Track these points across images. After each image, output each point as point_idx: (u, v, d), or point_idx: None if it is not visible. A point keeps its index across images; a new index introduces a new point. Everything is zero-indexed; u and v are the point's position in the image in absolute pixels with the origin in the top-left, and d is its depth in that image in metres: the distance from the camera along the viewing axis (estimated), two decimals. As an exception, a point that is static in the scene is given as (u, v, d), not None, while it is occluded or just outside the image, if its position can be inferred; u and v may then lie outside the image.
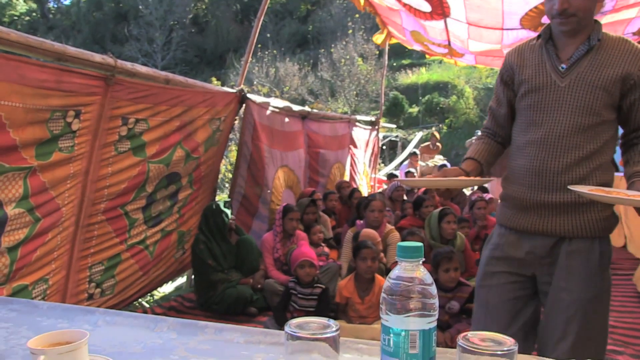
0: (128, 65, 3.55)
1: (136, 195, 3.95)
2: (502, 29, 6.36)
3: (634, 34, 7.64)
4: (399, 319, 0.82)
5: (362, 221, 5.10)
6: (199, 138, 4.58)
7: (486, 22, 6.24)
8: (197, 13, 49.67)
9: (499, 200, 2.34)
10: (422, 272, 0.85)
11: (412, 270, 0.84)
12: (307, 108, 7.42)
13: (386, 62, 10.48)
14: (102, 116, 3.42)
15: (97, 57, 3.24)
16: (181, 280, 5.56)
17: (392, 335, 0.85)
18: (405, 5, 6.14)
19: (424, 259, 0.87)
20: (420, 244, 0.86)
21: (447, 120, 24.88)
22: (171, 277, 5.06)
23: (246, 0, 47.03)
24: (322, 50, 30.87)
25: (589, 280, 2.00)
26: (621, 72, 1.98)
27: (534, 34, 7.17)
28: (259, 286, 4.59)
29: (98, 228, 3.66)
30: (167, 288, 5.40)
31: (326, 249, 5.23)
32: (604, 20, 6.97)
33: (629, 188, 1.95)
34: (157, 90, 3.87)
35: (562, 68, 2.05)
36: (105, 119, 3.46)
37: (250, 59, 5.80)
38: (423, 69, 30.08)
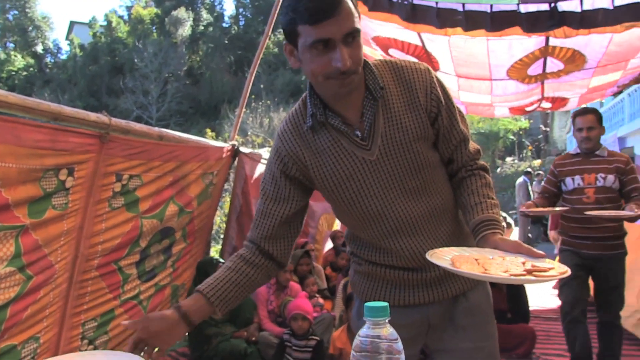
0: (122, 122, 3.64)
1: (130, 250, 3.99)
2: (491, 79, 6.55)
3: (618, 87, 7.88)
4: (367, 374, 0.88)
5: (355, 271, 5.13)
6: (192, 192, 4.65)
7: (475, 74, 6.42)
8: (191, 65, 50.54)
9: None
10: (388, 330, 0.91)
11: (379, 328, 0.90)
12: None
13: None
14: (97, 173, 3.49)
15: (92, 116, 3.32)
16: (175, 334, 5.54)
17: (363, 388, 0.90)
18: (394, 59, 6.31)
19: (389, 318, 0.93)
20: (385, 303, 0.92)
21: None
22: (165, 332, 5.03)
23: (240, 52, 47.92)
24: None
25: None
26: (421, 109, 1.68)
27: (521, 85, 7.35)
28: (253, 339, 4.58)
29: (91, 284, 3.69)
30: (161, 342, 5.38)
31: (320, 300, 5.24)
32: (592, 83, 7.20)
33: (478, 243, 1.59)
34: (150, 146, 3.96)
35: (359, 136, 1.65)
36: (100, 176, 3.53)
37: (243, 110, 5.93)
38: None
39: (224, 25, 55.55)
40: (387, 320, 0.91)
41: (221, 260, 4.78)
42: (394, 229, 1.68)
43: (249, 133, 26.92)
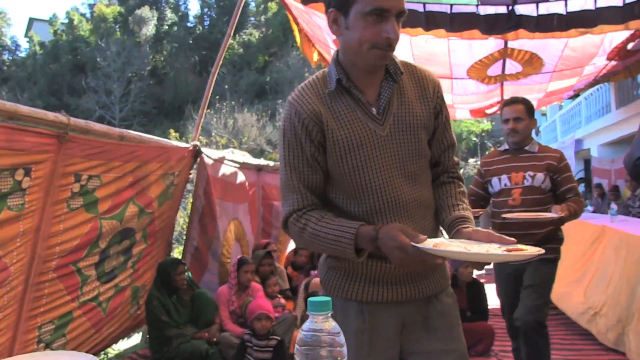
0: (81, 122, 3.59)
1: (89, 251, 3.94)
2: (452, 78, 6.67)
3: (574, 91, 8.10)
4: (311, 367, 0.90)
5: (316, 271, 5.16)
6: (153, 193, 4.62)
7: (437, 73, 6.51)
8: (155, 65, 49.98)
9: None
10: (330, 324, 0.93)
11: (321, 323, 0.93)
12: (262, 161, 7.54)
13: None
14: (54, 173, 3.44)
15: (50, 116, 3.27)
16: (137, 336, 5.49)
17: (305, 382, 0.92)
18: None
19: (332, 312, 0.96)
20: (328, 298, 0.94)
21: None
22: (126, 334, 4.99)
23: (204, 52, 47.58)
24: (280, 100, 31.36)
25: None
26: (430, 102, 1.82)
27: (481, 85, 7.48)
28: (215, 340, 4.57)
29: (49, 286, 3.63)
30: (123, 345, 5.32)
31: (282, 301, 5.26)
32: (550, 87, 7.38)
33: (453, 236, 1.68)
34: (111, 146, 3.92)
35: (373, 112, 1.74)
36: (58, 176, 3.48)
37: (205, 111, 5.91)
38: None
39: (189, 25, 55.10)
40: (329, 315, 0.94)
41: (182, 261, 4.76)
42: (388, 207, 1.73)
43: (213, 134, 26.76)
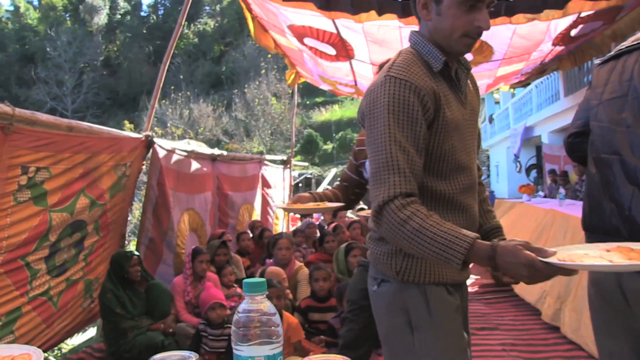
0: (27, 113, 3.51)
1: (38, 245, 3.86)
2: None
3: (522, 75, 8.29)
4: (247, 347, 0.92)
5: (271, 260, 5.18)
6: (104, 185, 4.55)
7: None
8: (108, 55, 48.99)
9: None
10: (266, 305, 0.95)
11: (257, 303, 0.94)
12: (217, 151, 7.48)
13: (296, 101, 10.73)
14: (0, 165, 3.36)
15: (-7, 106, 3.20)
16: (92, 330, 5.42)
17: (242, 363, 0.94)
18: (311, 48, 6.38)
19: (267, 292, 0.98)
20: (263, 279, 0.96)
21: (361, 156, 25.51)
22: (80, 328, 4.92)
23: (159, 42, 46.81)
24: (236, 90, 31.09)
25: None
26: (477, 96, 1.91)
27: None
28: (171, 331, 4.54)
29: (-4, 281, 3.55)
30: (77, 339, 5.25)
31: (238, 290, 5.26)
32: (499, 72, 7.54)
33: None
34: (59, 138, 3.84)
35: (462, 97, 1.78)
36: (3, 169, 3.40)
37: (161, 102, 5.83)
38: (336, 106, 30.87)
39: (142, 14, 54.14)
40: (265, 295, 0.96)
41: (136, 253, 4.70)
42: (471, 187, 1.80)
43: (169, 125, 26.41)
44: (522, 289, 5.75)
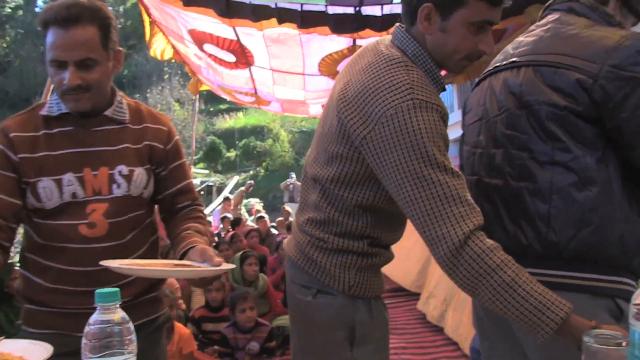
0: None
1: None
2: (304, 74, 6.79)
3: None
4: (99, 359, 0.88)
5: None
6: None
7: (288, 67, 6.61)
8: (-3, 52, 46.21)
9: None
10: (119, 315, 0.92)
11: (109, 313, 0.91)
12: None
13: (201, 108, 10.60)
14: None
15: None
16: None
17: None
18: (210, 55, 6.31)
19: (120, 302, 0.94)
20: (116, 289, 0.92)
21: (264, 164, 25.57)
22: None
23: (54, 41, 44.69)
24: (138, 95, 30.29)
25: None
26: None
27: (332, 81, 7.75)
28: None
29: None
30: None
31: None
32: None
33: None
34: None
35: None
36: None
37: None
38: (240, 114, 30.74)
39: (37, 9, 51.49)
40: (117, 305, 0.92)
41: (17, 265, 4.41)
42: None
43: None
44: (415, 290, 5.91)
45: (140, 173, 1.67)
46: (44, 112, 1.65)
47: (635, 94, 1.37)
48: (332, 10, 5.05)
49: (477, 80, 1.83)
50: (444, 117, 1.43)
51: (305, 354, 1.71)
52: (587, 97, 1.41)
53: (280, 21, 5.10)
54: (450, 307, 4.68)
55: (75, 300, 1.61)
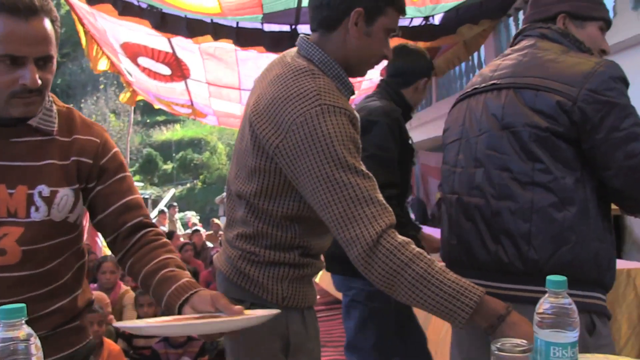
0: None
1: None
2: (240, 89, 6.81)
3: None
4: (1, 378, 0.87)
5: (95, 284, 4.93)
6: None
7: (225, 82, 6.61)
8: None
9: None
10: (24, 331, 0.91)
11: (15, 330, 0.90)
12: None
13: (132, 120, 10.43)
14: None
15: None
16: None
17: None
18: (144, 69, 6.25)
19: (26, 318, 0.93)
20: (22, 305, 0.92)
21: (201, 177, 25.30)
22: None
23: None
24: (72, 105, 29.40)
25: None
26: None
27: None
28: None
29: None
30: None
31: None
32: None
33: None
34: None
35: None
36: None
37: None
38: (177, 126, 30.37)
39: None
40: (23, 321, 0.91)
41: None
42: None
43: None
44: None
45: (64, 195, 1.41)
46: None
47: (610, 117, 1.47)
48: (268, 27, 5.10)
49: (455, 100, 1.89)
50: (353, 121, 1.46)
51: None
52: (567, 119, 1.49)
53: (216, 37, 5.12)
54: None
55: None
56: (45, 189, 1.38)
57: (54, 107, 1.45)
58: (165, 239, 1.54)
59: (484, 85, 1.72)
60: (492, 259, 1.59)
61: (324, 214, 1.39)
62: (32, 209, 1.37)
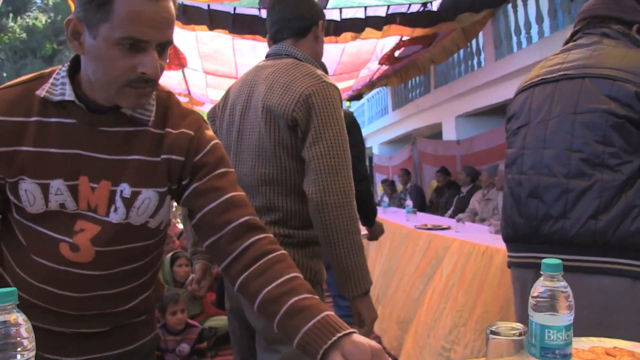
0: None
1: None
2: (237, 77, 6.79)
3: (353, 91, 8.77)
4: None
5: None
6: None
7: (222, 71, 6.59)
8: None
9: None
10: (15, 316, 0.90)
11: (5, 314, 0.89)
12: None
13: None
14: None
15: None
16: None
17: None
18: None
19: (17, 302, 0.92)
20: (13, 289, 0.91)
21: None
22: None
23: (-21, 36, 42.89)
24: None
25: None
26: None
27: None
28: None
29: None
30: None
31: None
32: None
33: None
34: None
35: None
36: None
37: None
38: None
39: None
40: (14, 304, 0.91)
41: None
42: None
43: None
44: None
45: (147, 198, 1.25)
46: (41, 92, 1.19)
47: None
48: (265, 13, 5.08)
49: (519, 89, 2.01)
50: (340, 96, 1.76)
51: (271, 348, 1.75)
52: None
53: (211, 27, 5.09)
54: (409, 335, 4.02)
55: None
56: (127, 189, 1.23)
57: (154, 94, 1.27)
58: (282, 250, 1.27)
59: (551, 75, 1.86)
60: (559, 233, 1.72)
61: (316, 162, 1.66)
62: (112, 208, 1.23)
